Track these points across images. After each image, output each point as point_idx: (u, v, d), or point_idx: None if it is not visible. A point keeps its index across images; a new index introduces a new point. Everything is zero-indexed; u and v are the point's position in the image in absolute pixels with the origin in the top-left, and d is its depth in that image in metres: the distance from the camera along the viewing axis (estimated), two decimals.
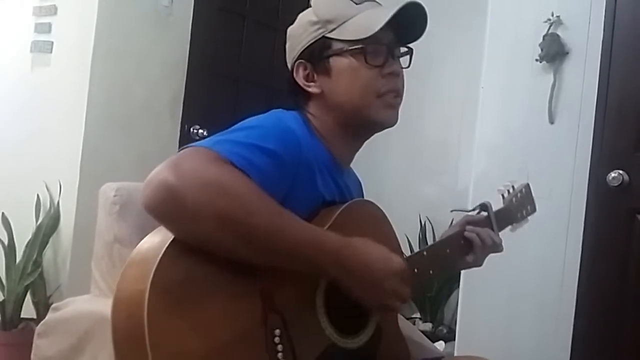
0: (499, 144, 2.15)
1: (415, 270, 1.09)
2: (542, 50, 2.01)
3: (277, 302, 0.91)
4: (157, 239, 0.85)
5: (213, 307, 0.85)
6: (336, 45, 1.08)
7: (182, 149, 0.90)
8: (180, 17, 2.71)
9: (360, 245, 0.96)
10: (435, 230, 3.10)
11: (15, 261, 2.40)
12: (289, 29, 1.16)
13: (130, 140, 2.57)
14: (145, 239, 0.87)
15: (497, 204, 1.35)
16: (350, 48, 1.07)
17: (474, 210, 1.32)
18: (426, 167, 3.28)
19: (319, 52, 1.09)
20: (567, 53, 1.99)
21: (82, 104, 2.45)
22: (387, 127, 1.14)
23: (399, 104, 1.13)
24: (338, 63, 1.09)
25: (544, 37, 2.01)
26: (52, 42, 2.60)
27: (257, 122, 1.01)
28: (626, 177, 1.86)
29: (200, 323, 0.83)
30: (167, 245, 0.83)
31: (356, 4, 1.10)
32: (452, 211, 1.43)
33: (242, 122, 1.00)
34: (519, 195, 1.41)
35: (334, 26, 1.08)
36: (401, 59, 1.14)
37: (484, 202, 1.32)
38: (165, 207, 0.83)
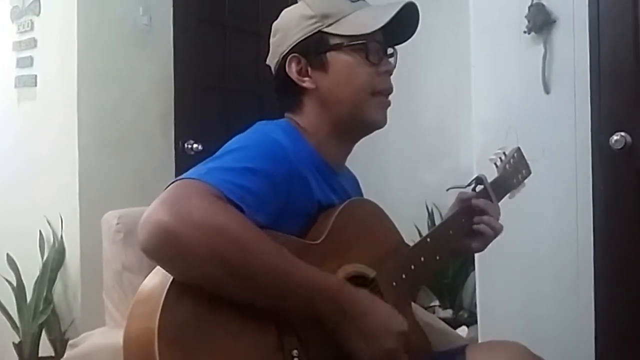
0: (496, 120, 2.13)
1: (422, 259, 1.08)
2: (528, 21, 1.98)
3: (289, 321, 0.89)
4: (158, 279, 0.83)
5: (226, 342, 0.83)
6: (334, 40, 1.07)
7: (173, 182, 0.86)
8: (160, 34, 2.68)
9: (365, 296, 0.94)
10: (443, 216, 3.08)
11: (26, 301, 2.38)
12: (276, 24, 1.14)
13: (126, 163, 2.54)
14: (146, 279, 0.85)
15: (490, 174, 1.33)
16: (351, 43, 1.06)
17: (469, 185, 1.30)
18: (427, 154, 3.26)
19: (315, 46, 1.07)
20: (555, 21, 1.97)
21: (72, 133, 2.42)
22: (377, 128, 1.12)
23: (389, 105, 1.12)
24: (336, 58, 1.07)
25: (529, 8, 1.98)
26: (36, 75, 2.58)
27: (243, 142, 0.98)
28: (629, 138, 1.83)
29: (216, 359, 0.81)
30: (168, 285, 0.80)
31: (351, 1, 1.08)
32: (448, 190, 1.41)
33: (228, 144, 0.98)
34: (511, 161, 1.39)
35: (331, 21, 1.06)
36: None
37: (479, 175, 1.31)
38: (162, 249, 0.81)
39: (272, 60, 1.14)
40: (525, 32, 2.00)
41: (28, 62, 2.60)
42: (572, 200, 1.96)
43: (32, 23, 2.58)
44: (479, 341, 2.13)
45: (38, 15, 2.57)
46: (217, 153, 0.95)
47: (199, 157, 2.67)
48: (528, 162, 1.46)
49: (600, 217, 1.91)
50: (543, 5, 1.97)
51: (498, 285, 2.16)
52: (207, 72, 2.90)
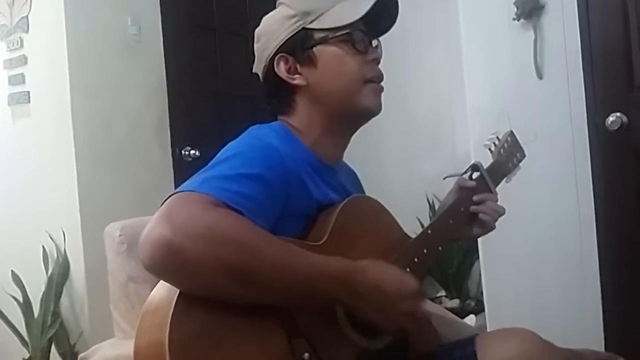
0: (491, 108, 2.13)
1: (425, 250, 1.08)
2: (517, 8, 1.98)
3: (299, 325, 0.89)
4: (165, 290, 0.83)
5: (237, 350, 0.83)
6: (319, 35, 1.08)
7: (170, 197, 0.86)
8: (150, 42, 2.68)
9: (371, 268, 0.94)
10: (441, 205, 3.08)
11: (33, 316, 2.38)
12: (258, 30, 1.15)
13: (124, 174, 2.54)
14: (154, 290, 0.85)
15: (486, 161, 1.34)
16: (336, 35, 1.07)
17: (465, 172, 1.30)
18: (423, 145, 3.26)
19: (300, 43, 1.08)
20: (543, 7, 1.97)
21: (69, 147, 2.42)
22: (374, 115, 1.12)
23: (382, 90, 1.12)
24: (323, 52, 1.08)
25: None
26: (28, 92, 2.57)
27: (236, 148, 0.98)
28: (624, 118, 1.84)
29: None
30: (177, 296, 0.80)
31: None
32: (445, 179, 1.41)
33: (221, 152, 0.98)
34: (505, 145, 1.40)
35: (313, 17, 1.08)
36: None
37: (474, 162, 1.31)
38: (166, 264, 0.80)
39: (258, 67, 1.15)
40: (514, 18, 2.00)
41: (20, 79, 2.59)
42: (572, 183, 1.96)
43: (22, 40, 2.58)
44: (488, 329, 2.14)
45: (27, 32, 2.57)
46: (211, 162, 0.95)
47: (197, 163, 2.68)
48: (522, 145, 1.47)
49: (600, 198, 1.92)
50: None
51: (503, 271, 2.16)
52: (200, 78, 2.90)
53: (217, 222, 0.82)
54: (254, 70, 1.17)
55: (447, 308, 2.62)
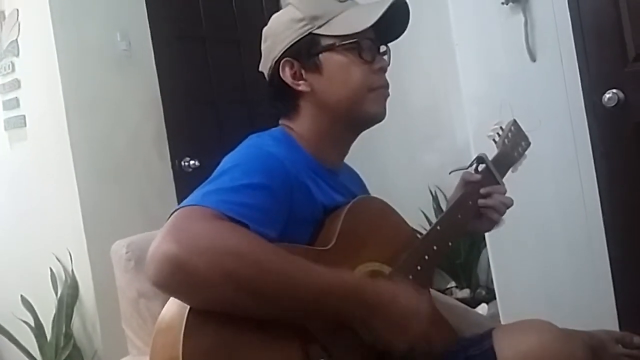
0: (487, 93, 2.12)
1: (435, 247, 1.07)
2: None
3: (312, 330, 0.88)
4: (176, 307, 0.83)
5: None
6: (326, 41, 1.06)
7: (173, 212, 0.86)
8: (141, 56, 2.68)
9: (385, 283, 0.93)
10: (447, 197, 3.07)
11: (46, 339, 2.38)
12: (266, 29, 1.13)
13: (126, 190, 2.54)
14: (165, 308, 0.85)
15: (490, 152, 1.33)
16: (343, 43, 1.06)
17: (471, 165, 1.29)
18: (422, 137, 3.25)
19: (307, 49, 1.07)
20: None
21: (69, 167, 2.42)
22: (377, 121, 1.12)
23: (388, 96, 1.12)
24: (329, 59, 1.07)
25: None
26: (24, 115, 2.58)
27: (236, 159, 0.97)
28: (621, 94, 1.83)
29: None
30: (187, 313, 0.80)
31: (339, 1, 1.08)
32: (450, 173, 1.40)
33: (222, 164, 0.97)
34: (509, 135, 1.38)
35: (321, 22, 1.06)
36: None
37: (479, 155, 1.30)
38: (174, 280, 0.80)
39: (264, 67, 1.14)
40: (503, 3, 1.99)
41: (14, 103, 2.59)
42: (574, 164, 1.96)
43: (13, 64, 2.58)
44: (500, 316, 2.14)
45: (17, 55, 2.57)
46: (212, 175, 0.95)
47: (197, 173, 2.68)
48: (526, 133, 1.46)
49: (604, 177, 1.91)
50: None
51: (511, 258, 2.15)
52: (194, 88, 2.89)
53: (221, 235, 0.82)
54: (260, 69, 1.15)
55: (457, 299, 2.62)
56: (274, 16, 1.14)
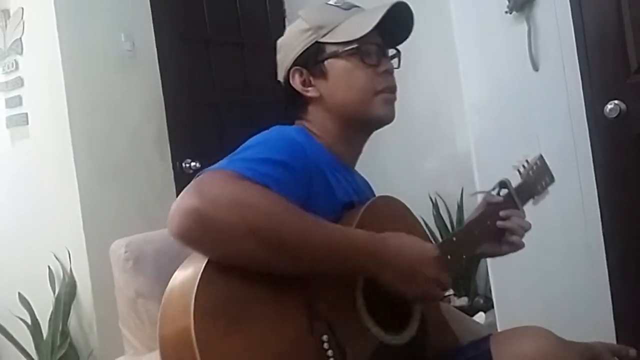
0: (489, 101, 2.13)
1: (449, 257, 1.08)
2: (509, 1, 1.98)
3: (321, 308, 0.91)
4: (189, 271, 0.85)
5: (260, 324, 0.85)
6: (330, 49, 1.11)
7: (198, 175, 0.90)
8: (145, 57, 2.68)
9: (392, 237, 0.97)
10: (447, 205, 3.07)
11: (42, 337, 2.38)
12: (279, 41, 1.19)
13: (126, 190, 2.54)
14: (175, 274, 0.87)
15: (513, 180, 1.34)
16: (345, 49, 1.10)
17: (493, 189, 1.32)
18: (423, 145, 3.25)
19: (313, 57, 1.12)
20: None
21: (69, 166, 2.42)
22: (385, 123, 1.16)
23: (395, 99, 1.15)
24: (334, 65, 1.12)
25: None
26: (26, 113, 2.58)
27: (261, 138, 1.02)
28: (623, 105, 1.84)
29: (250, 343, 0.83)
30: (201, 272, 0.82)
31: (344, 9, 1.13)
32: (472, 195, 1.43)
33: (246, 142, 1.01)
34: (534, 167, 1.41)
35: (325, 31, 1.12)
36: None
37: (503, 180, 1.32)
38: (197, 233, 0.83)
39: (280, 76, 1.19)
40: (506, 11, 2.00)
41: (17, 101, 2.60)
42: (574, 174, 1.96)
43: (17, 62, 2.59)
44: (498, 325, 2.13)
45: (21, 54, 2.58)
46: (236, 150, 0.98)
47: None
48: (551, 169, 1.46)
49: (603, 187, 1.91)
50: None
51: (510, 267, 2.15)
52: (196, 89, 2.90)
53: (244, 190, 0.86)
54: (277, 79, 1.21)
55: (455, 307, 2.61)
56: (287, 28, 1.20)
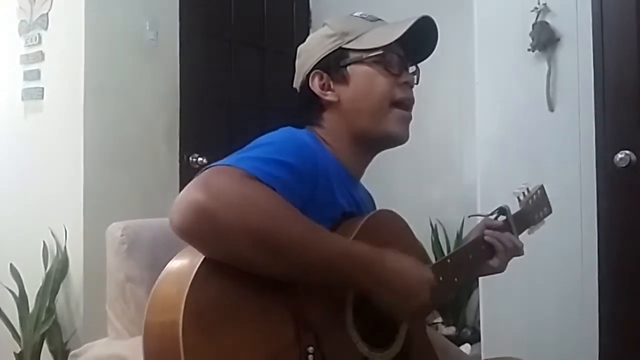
0: (501, 137, 2.13)
1: (441, 278, 1.08)
2: (532, 39, 2.00)
3: (309, 319, 0.91)
4: (185, 263, 0.85)
5: (247, 328, 0.84)
6: (354, 55, 1.12)
7: (205, 169, 0.90)
8: (166, 49, 2.70)
9: (391, 255, 0.97)
10: (447, 232, 3.07)
11: (28, 311, 2.38)
12: (300, 47, 1.19)
13: (131, 176, 2.55)
14: (171, 263, 0.87)
15: (512, 207, 1.34)
16: (370, 55, 1.11)
17: (492, 214, 1.32)
18: (431, 170, 3.26)
19: (336, 61, 1.12)
20: (559, 39, 1.98)
21: (78, 146, 2.43)
22: (398, 143, 1.16)
23: (410, 119, 1.15)
24: (356, 70, 1.12)
25: (533, 25, 2.00)
26: (43, 88, 2.59)
27: (271, 138, 1.02)
28: (633, 156, 1.84)
29: (235, 346, 0.82)
30: (197, 268, 0.82)
31: (370, 21, 1.14)
32: (470, 217, 1.43)
33: (256, 140, 1.01)
34: (534, 197, 1.41)
35: (351, 38, 1.12)
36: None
37: (502, 206, 1.32)
38: (198, 227, 0.83)
39: (297, 82, 1.19)
40: (529, 50, 2.01)
41: (35, 75, 2.62)
42: (577, 217, 1.96)
43: (40, 37, 2.61)
44: (482, 359, 2.12)
45: (46, 29, 2.59)
46: (245, 147, 0.98)
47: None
48: (550, 200, 1.46)
49: (604, 235, 1.91)
50: (547, 24, 1.99)
51: (502, 303, 2.14)
52: (213, 87, 2.91)
53: (252, 192, 0.86)
54: (294, 85, 1.20)
55: (443, 335, 2.60)
56: (310, 35, 1.21)
